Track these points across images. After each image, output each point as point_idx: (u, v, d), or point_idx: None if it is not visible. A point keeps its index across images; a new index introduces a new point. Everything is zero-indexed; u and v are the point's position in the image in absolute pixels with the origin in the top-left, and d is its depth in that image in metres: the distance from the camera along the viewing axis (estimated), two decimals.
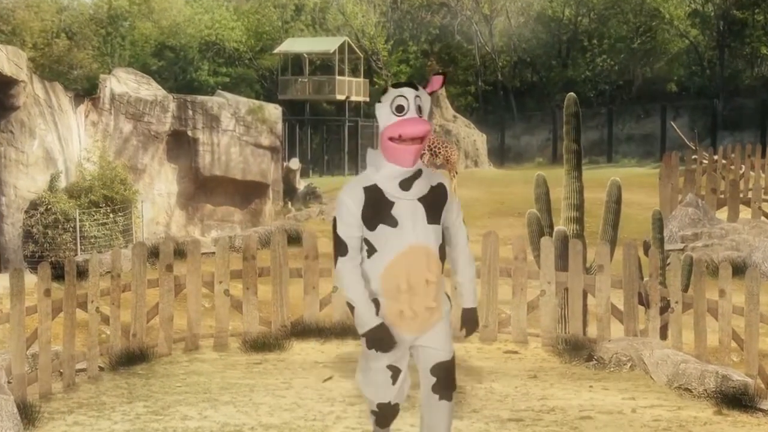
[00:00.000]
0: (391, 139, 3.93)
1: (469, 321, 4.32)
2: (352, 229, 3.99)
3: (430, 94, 4.05)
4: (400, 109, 3.94)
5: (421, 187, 4.02)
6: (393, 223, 3.96)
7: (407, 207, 3.98)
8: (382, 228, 3.97)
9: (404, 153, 3.92)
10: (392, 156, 3.95)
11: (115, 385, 7.27)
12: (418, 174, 4.02)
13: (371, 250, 4.01)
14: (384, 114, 3.98)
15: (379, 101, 4.03)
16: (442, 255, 4.12)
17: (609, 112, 42.28)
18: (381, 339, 4.02)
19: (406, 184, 3.98)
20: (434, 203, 4.05)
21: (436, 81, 4.10)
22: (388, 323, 4.05)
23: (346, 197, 3.99)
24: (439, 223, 4.06)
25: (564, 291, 9.04)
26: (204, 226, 29.06)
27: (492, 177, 33.46)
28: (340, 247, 4.01)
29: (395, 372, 4.20)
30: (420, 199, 4.01)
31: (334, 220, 4.03)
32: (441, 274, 4.14)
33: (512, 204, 23.07)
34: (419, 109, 3.97)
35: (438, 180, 4.12)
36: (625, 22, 45.48)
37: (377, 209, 3.96)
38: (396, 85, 4.04)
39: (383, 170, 3.98)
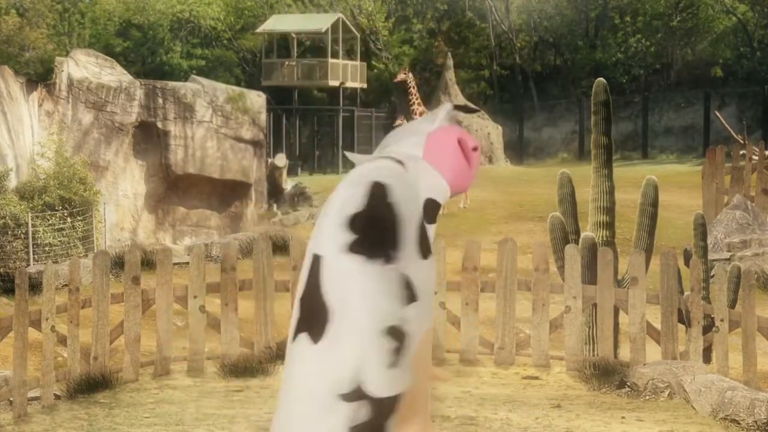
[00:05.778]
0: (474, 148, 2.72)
1: None
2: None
3: None
4: None
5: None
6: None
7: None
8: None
9: (472, 173, 2.74)
10: (457, 170, 2.67)
11: (73, 416, 7.28)
12: None
13: None
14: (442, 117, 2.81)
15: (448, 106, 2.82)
16: None
17: (644, 100, 42.30)
18: None
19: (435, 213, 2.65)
20: None
21: None
22: None
23: (405, 201, 2.52)
24: None
25: (592, 307, 9.05)
26: (176, 232, 29.07)
27: (509, 175, 33.49)
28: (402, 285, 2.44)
29: None
30: None
31: (388, 220, 2.46)
32: None
33: (532, 207, 23.09)
34: None
35: None
36: None
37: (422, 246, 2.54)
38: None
39: (428, 175, 2.63)
